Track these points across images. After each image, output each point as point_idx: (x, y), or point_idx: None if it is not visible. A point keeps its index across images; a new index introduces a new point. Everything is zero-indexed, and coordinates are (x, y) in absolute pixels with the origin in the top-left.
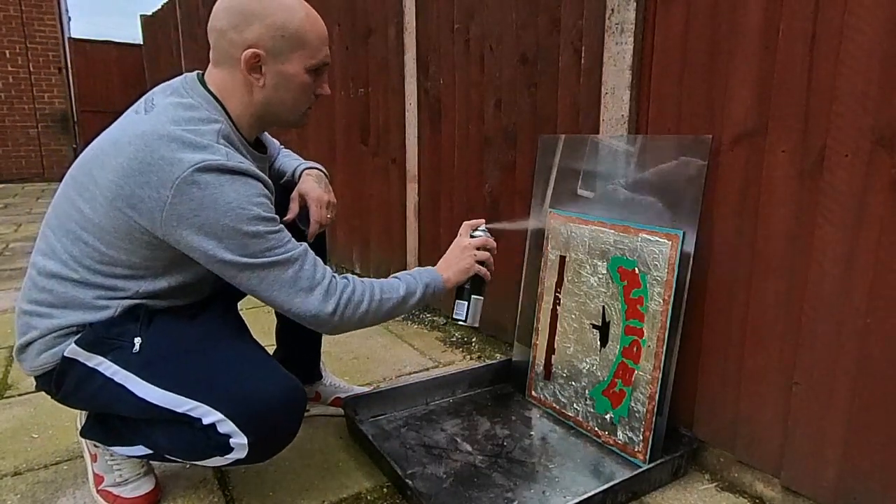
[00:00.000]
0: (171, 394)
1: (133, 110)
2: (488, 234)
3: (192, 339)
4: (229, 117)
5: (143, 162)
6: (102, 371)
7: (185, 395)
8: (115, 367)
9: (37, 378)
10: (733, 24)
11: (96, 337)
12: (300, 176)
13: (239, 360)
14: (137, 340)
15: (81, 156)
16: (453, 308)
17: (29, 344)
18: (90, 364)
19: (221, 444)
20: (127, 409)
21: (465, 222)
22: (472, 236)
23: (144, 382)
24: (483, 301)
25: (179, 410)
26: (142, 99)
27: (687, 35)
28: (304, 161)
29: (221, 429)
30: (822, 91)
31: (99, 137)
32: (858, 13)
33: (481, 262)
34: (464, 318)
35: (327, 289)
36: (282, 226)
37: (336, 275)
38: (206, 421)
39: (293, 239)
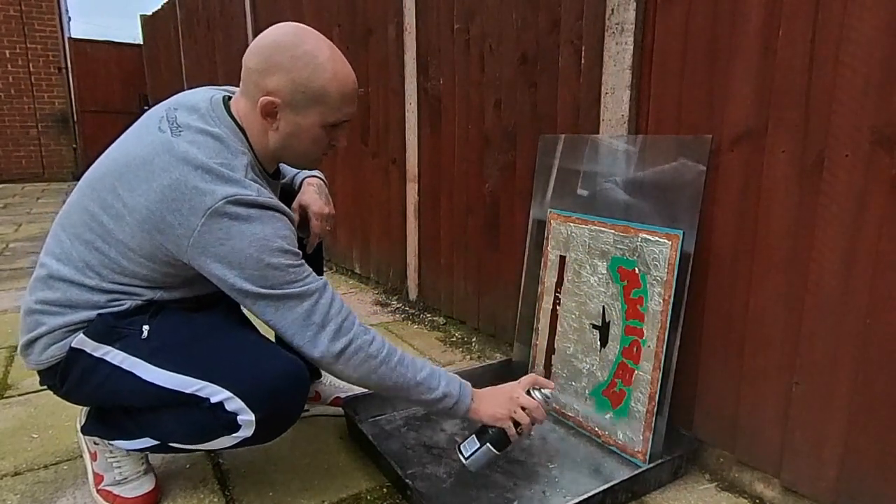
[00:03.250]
0: (178, 375)
1: (155, 125)
2: (547, 403)
3: (199, 326)
4: (251, 148)
5: (177, 191)
6: (109, 360)
7: (192, 375)
8: (123, 354)
9: (41, 373)
10: (733, 25)
11: (105, 327)
12: (301, 184)
13: (245, 344)
14: (146, 328)
15: (99, 165)
16: (464, 439)
17: (36, 339)
18: (97, 354)
19: (229, 423)
20: (133, 397)
21: (534, 375)
22: (529, 392)
23: (152, 366)
24: (496, 458)
25: (187, 391)
26: (160, 110)
27: (687, 35)
28: None
29: (229, 406)
30: (821, 91)
31: (116, 147)
32: (858, 13)
33: (516, 423)
34: (465, 458)
35: (340, 327)
36: (303, 260)
37: (358, 322)
38: (213, 400)
39: (313, 273)
